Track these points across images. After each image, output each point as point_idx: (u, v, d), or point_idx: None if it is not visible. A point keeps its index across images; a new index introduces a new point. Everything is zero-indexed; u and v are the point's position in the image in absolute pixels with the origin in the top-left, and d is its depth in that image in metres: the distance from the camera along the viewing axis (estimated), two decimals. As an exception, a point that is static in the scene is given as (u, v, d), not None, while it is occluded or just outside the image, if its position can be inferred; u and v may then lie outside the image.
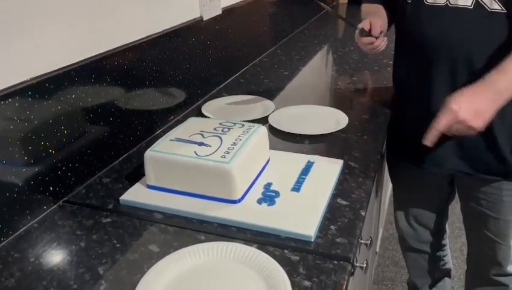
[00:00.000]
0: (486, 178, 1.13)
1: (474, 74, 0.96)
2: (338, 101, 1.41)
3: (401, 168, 1.31)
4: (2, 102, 0.73)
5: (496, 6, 0.95)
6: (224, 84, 1.52)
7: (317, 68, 1.78)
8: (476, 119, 0.90)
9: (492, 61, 0.94)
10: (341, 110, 1.25)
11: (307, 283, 0.66)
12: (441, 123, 0.92)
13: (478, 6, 0.97)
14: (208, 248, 0.71)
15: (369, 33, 1.13)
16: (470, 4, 0.97)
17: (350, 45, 1.99)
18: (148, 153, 0.86)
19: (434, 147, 0.99)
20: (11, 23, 0.74)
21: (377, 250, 1.95)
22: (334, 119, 1.20)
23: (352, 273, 0.72)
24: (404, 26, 1.12)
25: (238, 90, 1.47)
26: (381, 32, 1.14)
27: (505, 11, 0.95)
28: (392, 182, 1.45)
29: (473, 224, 1.27)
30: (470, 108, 0.89)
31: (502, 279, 1.29)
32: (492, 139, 1.06)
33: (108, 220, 0.82)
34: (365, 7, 1.28)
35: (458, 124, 0.91)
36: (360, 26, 1.14)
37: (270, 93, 1.42)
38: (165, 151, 0.85)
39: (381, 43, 1.15)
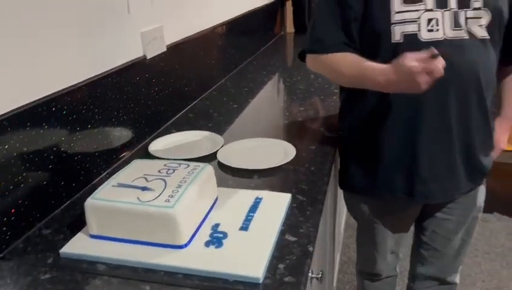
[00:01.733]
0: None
1: (482, 96, 1.09)
2: (286, 132, 1.43)
3: (359, 201, 1.29)
4: None
5: (485, 34, 1.04)
6: (172, 120, 1.51)
7: (267, 99, 1.81)
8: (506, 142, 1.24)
9: (492, 88, 1.11)
10: (289, 141, 1.27)
11: (255, 329, 0.65)
12: (493, 158, 1.22)
13: (472, 35, 1.03)
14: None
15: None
16: (466, 35, 1.03)
17: (297, 75, 2.04)
18: (89, 202, 0.83)
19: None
20: None
21: (335, 275, 1.96)
22: (283, 152, 1.22)
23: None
24: None
25: (187, 126, 1.46)
26: None
27: (491, 39, 1.05)
28: (355, 219, 1.40)
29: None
30: (506, 140, 1.23)
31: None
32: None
33: (48, 276, 0.78)
34: (339, 59, 1.10)
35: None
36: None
37: (219, 128, 1.42)
38: (107, 199, 0.83)
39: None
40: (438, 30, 1.02)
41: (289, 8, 3.16)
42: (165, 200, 0.81)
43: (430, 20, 1.02)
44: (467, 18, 1.02)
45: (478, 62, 1.05)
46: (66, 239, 0.86)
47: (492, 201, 1.49)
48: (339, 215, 1.93)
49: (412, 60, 0.91)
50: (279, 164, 1.14)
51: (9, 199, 0.85)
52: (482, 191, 1.27)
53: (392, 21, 1.02)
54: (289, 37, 3.15)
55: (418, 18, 1.02)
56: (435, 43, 0.98)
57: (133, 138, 1.27)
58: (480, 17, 1.02)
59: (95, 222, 0.83)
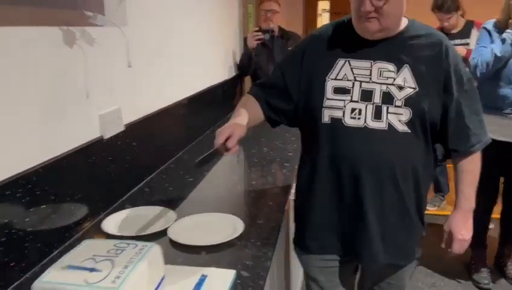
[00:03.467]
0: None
1: (397, 185, 1.21)
2: (237, 206, 1.51)
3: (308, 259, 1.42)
4: None
5: (405, 128, 1.17)
6: (127, 195, 1.56)
7: (222, 172, 1.89)
8: (469, 233, 1.33)
9: (412, 174, 1.22)
10: (239, 216, 1.34)
11: None
12: (456, 251, 1.33)
13: (391, 127, 1.17)
14: None
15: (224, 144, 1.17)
16: (384, 126, 1.17)
17: (252, 148, 2.16)
18: (36, 285, 0.86)
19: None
20: None
21: None
22: (231, 227, 1.28)
23: None
24: (321, 144, 1.24)
25: (142, 200, 1.52)
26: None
27: (412, 133, 1.18)
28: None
29: None
30: (465, 230, 1.32)
31: None
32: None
33: None
34: (244, 99, 1.38)
35: (464, 244, 1.33)
36: (217, 143, 1.18)
37: (172, 203, 1.48)
38: (54, 281, 0.86)
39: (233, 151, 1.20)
40: (359, 119, 1.18)
41: (248, 81, 3.36)
42: (111, 281, 0.85)
43: (353, 110, 1.19)
44: (388, 112, 1.17)
45: (394, 152, 1.18)
46: (12, 322, 0.88)
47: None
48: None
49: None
50: (226, 240, 1.20)
51: (-43, 283, 0.87)
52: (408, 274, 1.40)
53: (324, 105, 1.21)
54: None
55: (344, 106, 1.19)
56: (356, 129, 1.18)
57: (86, 215, 1.31)
58: (401, 114, 1.17)
59: (42, 304, 0.86)
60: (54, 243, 1.17)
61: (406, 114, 1.16)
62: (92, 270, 0.89)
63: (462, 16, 3.04)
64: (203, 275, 1.02)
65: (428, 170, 1.28)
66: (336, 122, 1.20)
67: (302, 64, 1.27)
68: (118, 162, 1.49)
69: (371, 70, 1.19)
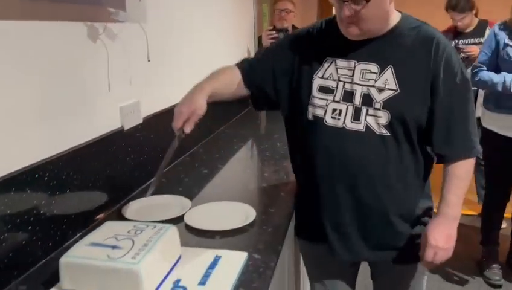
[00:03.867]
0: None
1: (373, 186, 1.20)
2: (249, 196, 1.56)
3: (309, 248, 1.47)
4: None
5: (384, 131, 1.16)
6: (145, 184, 1.63)
7: (235, 165, 1.95)
8: (449, 242, 1.21)
9: (393, 176, 1.20)
10: (251, 204, 1.40)
11: None
12: (429, 258, 1.21)
13: (369, 129, 1.17)
14: None
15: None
16: (362, 128, 1.17)
17: (265, 143, 2.22)
18: (63, 259, 0.93)
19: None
20: None
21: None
22: (244, 215, 1.34)
23: None
24: (301, 139, 1.28)
25: (159, 190, 1.57)
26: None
27: (389, 134, 1.16)
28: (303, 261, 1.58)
29: None
30: (441, 238, 1.20)
31: None
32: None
33: (21, 328, 0.86)
34: (220, 68, 1.34)
35: (439, 252, 1.20)
36: (175, 127, 1.20)
37: (188, 193, 1.55)
38: (80, 256, 0.93)
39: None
40: (339, 119, 1.19)
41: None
42: (132, 257, 0.92)
43: (334, 110, 1.20)
44: (367, 114, 1.16)
45: (370, 154, 1.17)
46: (40, 295, 0.95)
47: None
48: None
49: None
50: (239, 226, 1.26)
51: (-9, 256, 0.95)
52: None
53: (309, 102, 1.23)
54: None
55: (326, 106, 1.21)
56: (335, 129, 1.20)
57: (107, 202, 1.38)
58: (379, 116, 1.15)
59: (68, 277, 0.93)
60: (78, 226, 1.24)
61: (384, 117, 1.15)
62: (114, 247, 0.96)
63: (476, 15, 3.06)
64: (217, 256, 1.08)
65: (416, 173, 1.23)
66: (318, 120, 1.22)
67: (294, 58, 1.27)
68: (137, 153, 1.56)
69: (353, 71, 1.19)
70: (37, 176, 1.08)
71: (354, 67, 1.19)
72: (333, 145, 1.20)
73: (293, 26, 3.18)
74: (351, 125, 1.18)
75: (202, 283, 0.97)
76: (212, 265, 1.04)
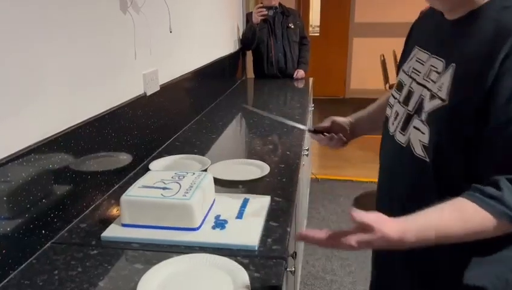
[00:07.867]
0: None
1: (404, 208, 0.80)
2: (260, 154, 1.75)
3: None
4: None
5: (420, 153, 0.88)
6: (163, 147, 1.79)
7: (238, 130, 2.14)
8: (381, 245, 0.76)
9: (419, 200, 0.82)
10: (263, 161, 1.59)
11: (256, 274, 0.94)
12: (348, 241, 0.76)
13: (409, 147, 0.92)
14: (186, 257, 0.96)
15: (318, 131, 1.26)
16: (404, 142, 0.94)
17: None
18: (124, 198, 1.10)
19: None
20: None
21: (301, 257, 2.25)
22: (259, 168, 1.53)
23: (285, 268, 1.01)
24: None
25: (176, 151, 1.75)
26: (337, 133, 1.22)
27: (428, 160, 0.87)
28: None
29: None
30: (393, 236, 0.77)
31: None
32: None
33: (95, 251, 1.03)
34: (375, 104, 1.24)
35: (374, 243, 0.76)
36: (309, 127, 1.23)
37: (203, 152, 1.72)
38: (138, 195, 1.10)
39: (330, 143, 1.23)
40: (393, 124, 0.99)
41: (249, 56, 3.58)
42: (183, 195, 1.09)
43: (397, 112, 0.99)
44: (413, 126, 0.90)
45: (402, 179, 0.95)
46: (100, 230, 1.12)
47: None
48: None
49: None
50: (258, 177, 1.45)
51: (54, 197, 1.11)
52: None
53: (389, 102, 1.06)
54: (249, 82, 3.55)
55: (392, 105, 1.02)
56: (388, 135, 1.01)
57: (135, 159, 1.54)
58: (422, 132, 0.87)
59: (128, 213, 1.10)
60: (115, 179, 1.40)
61: (426, 134, 0.86)
62: (164, 188, 1.13)
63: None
64: (245, 198, 1.27)
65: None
66: (386, 120, 1.04)
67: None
68: (156, 117, 1.72)
69: (424, 66, 0.93)
70: (82, 133, 1.23)
71: (426, 61, 0.93)
72: (384, 154, 1.07)
73: (280, 4, 3.34)
74: (398, 136, 0.96)
75: (239, 217, 1.16)
76: (244, 205, 1.23)
